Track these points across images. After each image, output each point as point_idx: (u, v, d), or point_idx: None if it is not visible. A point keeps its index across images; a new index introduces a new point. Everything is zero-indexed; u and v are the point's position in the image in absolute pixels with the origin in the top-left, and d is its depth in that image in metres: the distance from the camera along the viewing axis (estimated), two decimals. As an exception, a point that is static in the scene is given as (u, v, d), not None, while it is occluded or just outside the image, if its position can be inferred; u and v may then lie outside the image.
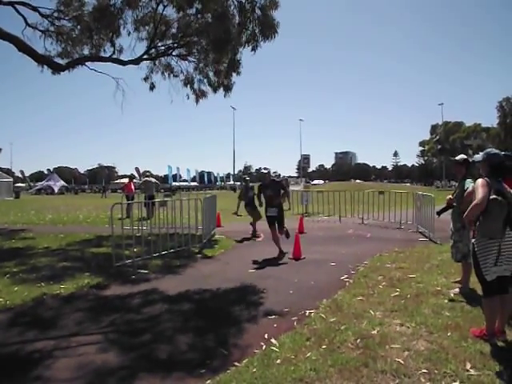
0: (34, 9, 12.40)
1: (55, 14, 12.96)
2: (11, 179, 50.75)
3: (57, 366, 3.40)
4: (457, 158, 5.66)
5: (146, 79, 14.86)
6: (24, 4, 12.04)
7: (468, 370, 3.11)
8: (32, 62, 12.23)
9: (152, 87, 14.97)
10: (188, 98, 14.79)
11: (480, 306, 4.54)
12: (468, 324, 4.08)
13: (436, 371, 3.12)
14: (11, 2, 11.62)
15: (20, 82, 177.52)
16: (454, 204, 5.35)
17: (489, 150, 3.92)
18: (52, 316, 4.71)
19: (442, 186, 68.90)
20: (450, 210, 5.51)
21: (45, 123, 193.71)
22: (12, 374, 3.27)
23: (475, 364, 3.22)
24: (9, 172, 64.18)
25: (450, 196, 5.47)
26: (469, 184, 5.08)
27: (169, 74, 14.76)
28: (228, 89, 14.15)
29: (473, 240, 3.73)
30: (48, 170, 74.14)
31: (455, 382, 2.97)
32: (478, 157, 3.91)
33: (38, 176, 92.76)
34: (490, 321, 3.69)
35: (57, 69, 12.99)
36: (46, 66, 12.96)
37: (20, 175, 71.42)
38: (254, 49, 12.09)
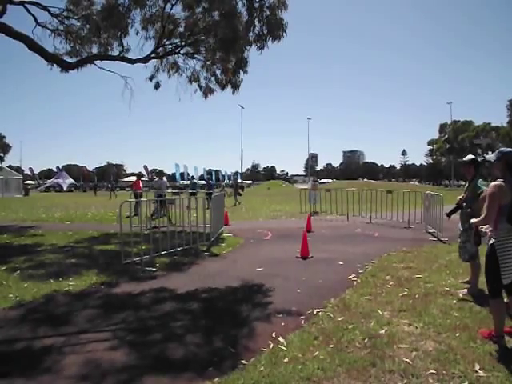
0: (44, 8, 12.53)
1: (65, 13, 13.11)
2: (21, 177, 51.26)
3: (66, 363, 3.44)
4: (465, 158, 5.61)
5: (151, 78, 14.92)
6: (34, 3, 12.16)
7: (477, 371, 3.10)
8: (42, 61, 12.36)
9: (157, 86, 15.01)
10: (195, 92, 14.87)
11: (488, 306, 4.52)
12: (477, 325, 4.06)
13: (444, 372, 3.11)
14: (22, 1, 11.75)
15: (29, 79, 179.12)
16: (464, 204, 5.32)
17: (502, 148, 3.79)
18: (61, 313, 4.75)
19: (450, 186, 68.42)
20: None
21: (54, 121, 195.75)
22: (22, 369, 3.31)
23: (484, 365, 3.20)
24: (18, 169, 64.83)
25: (460, 197, 5.43)
26: (481, 185, 5.04)
27: (175, 73, 14.82)
28: (236, 87, 14.19)
29: (492, 241, 3.62)
30: (57, 167, 74.51)
31: (464, 383, 2.95)
32: (492, 156, 3.77)
33: (47, 174, 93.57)
34: (497, 322, 3.66)
35: (66, 67, 13.10)
36: (55, 65, 13.06)
37: (29, 173, 72.03)
38: (260, 48, 12.08)
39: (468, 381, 2.98)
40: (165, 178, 15.53)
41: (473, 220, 3.88)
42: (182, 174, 60.62)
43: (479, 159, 5.20)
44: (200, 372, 3.24)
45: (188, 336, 4.02)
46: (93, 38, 13.52)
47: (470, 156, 5.61)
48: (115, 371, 3.29)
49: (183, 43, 13.84)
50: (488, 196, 3.55)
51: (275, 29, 11.52)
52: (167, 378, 3.17)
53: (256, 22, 11.63)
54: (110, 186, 45.59)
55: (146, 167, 42.40)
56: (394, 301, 4.92)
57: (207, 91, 14.78)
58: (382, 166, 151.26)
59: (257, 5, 11.48)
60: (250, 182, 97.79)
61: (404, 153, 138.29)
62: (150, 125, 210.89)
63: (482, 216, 3.62)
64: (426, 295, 5.14)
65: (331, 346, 3.65)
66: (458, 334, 3.83)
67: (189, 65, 14.59)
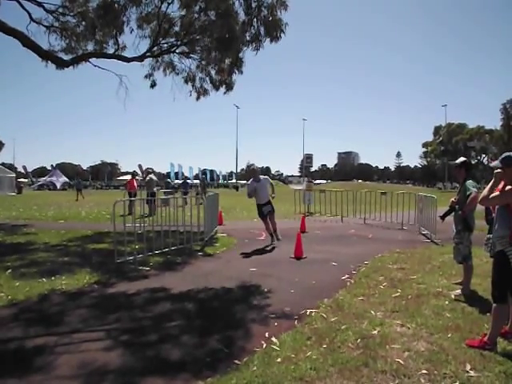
0: (39, 4, 12.40)
1: (60, 10, 12.98)
2: (14, 174, 50.73)
3: (58, 363, 3.41)
4: (456, 161, 5.66)
5: (147, 77, 14.85)
6: (29, -1, 12.03)
7: (468, 372, 3.12)
8: (36, 58, 12.25)
9: (153, 85, 14.95)
10: (190, 95, 14.82)
11: (480, 307, 4.57)
12: (468, 325, 4.09)
13: (436, 372, 3.12)
14: (16, -4, 11.62)
15: (23, 76, 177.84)
16: (457, 207, 5.35)
17: (507, 153, 3.70)
18: (53, 312, 4.72)
19: (444, 188, 68.87)
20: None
21: (49, 119, 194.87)
22: (13, 370, 3.27)
23: (475, 365, 3.22)
24: (11, 167, 64.24)
25: (453, 199, 5.46)
26: (470, 187, 5.06)
27: (170, 72, 14.76)
28: (229, 87, 14.16)
29: (501, 247, 3.57)
30: (51, 165, 74.02)
31: (455, 383, 2.97)
32: (497, 163, 3.71)
33: (41, 172, 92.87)
34: (496, 329, 3.61)
35: (61, 65, 13.00)
36: (49, 62, 12.97)
37: (22, 170, 71.43)
38: (256, 49, 12.06)
39: (459, 381, 3.00)
40: (263, 177, 10.90)
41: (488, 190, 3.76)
42: (176, 174, 60.71)
43: (473, 162, 5.23)
44: (193, 372, 3.23)
45: (180, 336, 4.01)
46: (88, 35, 13.44)
47: (462, 158, 5.66)
48: (108, 372, 3.26)
49: (179, 42, 13.78)
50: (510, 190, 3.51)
51: (273, 29, 11.50)
52: (160, 379, 3.15)
53: (254, 22, 11.60)
54: (75, 184, 37.86)
55: (140, 166, 41.99)
56: (386, 302, 4.94)
57: (201, 92, 14.73)
58: (376, 167, 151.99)
59: (254, 4, 11.46)
60: (244, 182, 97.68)
61: (398, 154, 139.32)
62: (145, 124, 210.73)
63: (494, 195, 3.57)
64: (418, 296, 5.16)
65: (324, 346, 3.66)
66: (449, 335, 3.85)
67: (184, 64, 14.57)
